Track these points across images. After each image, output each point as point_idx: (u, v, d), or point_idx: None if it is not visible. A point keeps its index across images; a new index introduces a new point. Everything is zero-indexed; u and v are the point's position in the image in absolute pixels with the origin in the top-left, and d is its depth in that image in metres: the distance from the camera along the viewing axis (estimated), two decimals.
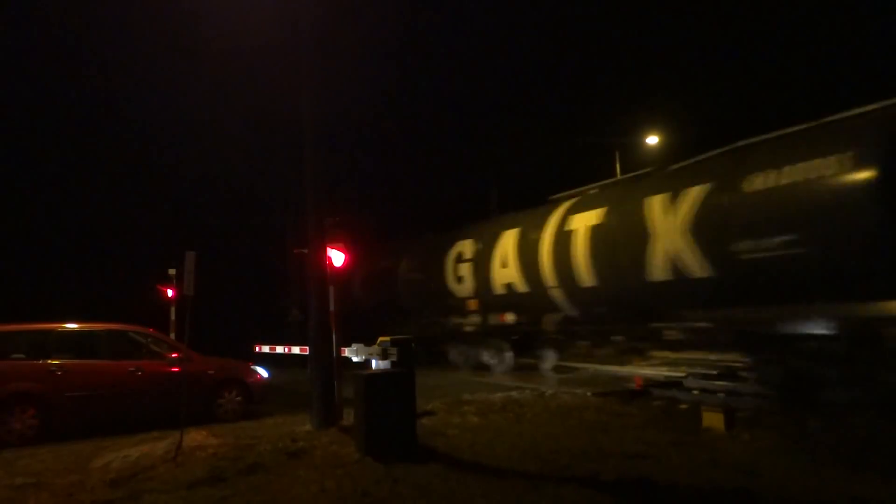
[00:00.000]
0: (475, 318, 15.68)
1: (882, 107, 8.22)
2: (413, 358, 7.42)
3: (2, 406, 8.77)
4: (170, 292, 15.46)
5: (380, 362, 7.69)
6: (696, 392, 10.42)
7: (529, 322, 14.03)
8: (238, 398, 10.51)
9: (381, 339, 7.68)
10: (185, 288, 7.91)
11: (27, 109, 38.65)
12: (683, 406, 9.24)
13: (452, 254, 16.66)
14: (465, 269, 16.01)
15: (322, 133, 8.97)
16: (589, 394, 10.64)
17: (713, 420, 7.68)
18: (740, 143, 9.74)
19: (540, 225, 13.48)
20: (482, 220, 17.29)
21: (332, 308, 8.94)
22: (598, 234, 11.69)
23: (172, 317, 14.62)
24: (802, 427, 7.39)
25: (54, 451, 7.99)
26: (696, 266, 9.61)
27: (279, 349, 13.96)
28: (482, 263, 15.32)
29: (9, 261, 28.20)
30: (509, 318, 14.49)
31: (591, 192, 13.32)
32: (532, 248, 13.52)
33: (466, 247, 16.25)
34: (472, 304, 15.85)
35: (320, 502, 5.47)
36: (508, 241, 14.50)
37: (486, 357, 15.56)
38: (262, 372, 11.20)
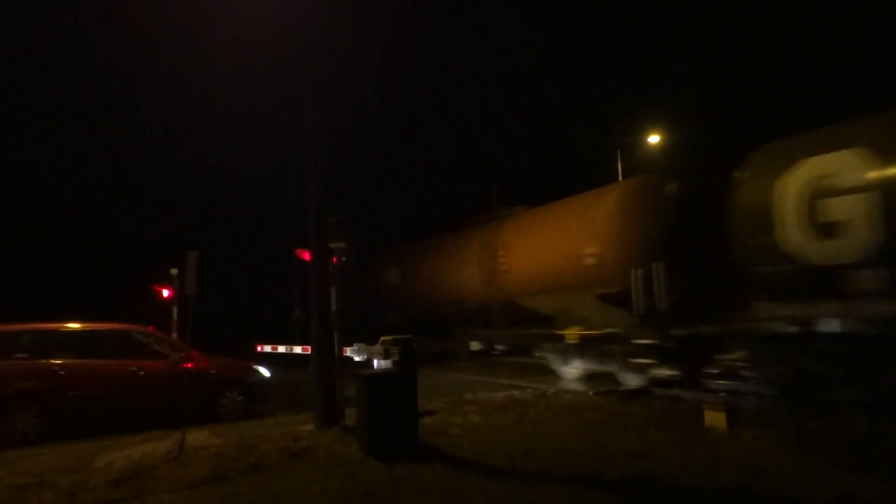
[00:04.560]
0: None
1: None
2: (415, 357, 7.43)
3: (4, 405, 8.79)
4: (165, 292, 15.45)
5: (381, 362, 7.69)
6: (697, 391, 10.43)
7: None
8: (240, 398, 10.51)
9: (382, 338, 7.69)
10: (187, 287, 7.91)
11: (28, 109, 38.70)
12: (685, 405, 9.24)
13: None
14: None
15: (323, 133, 8.97)
16: (591, 393, 10.65)
17: (715, 419, 7.67)
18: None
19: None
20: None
21: (333, 308, 8.95)
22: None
23: (174, 316, 14.60)
24: (804, 426, 7.39)
25: (57, 450, 8.00)
26: None
27: (281, 349, 14.01)
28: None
29: (9, 261, 28.23)
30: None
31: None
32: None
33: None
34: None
35: (322, 502, 5.48)
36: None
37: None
38: (264, 371, 11.20)
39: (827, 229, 8.21)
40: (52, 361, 9.22)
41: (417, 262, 19.82)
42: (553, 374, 14.26)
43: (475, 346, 17.49)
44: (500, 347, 17.02)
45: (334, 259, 9.23)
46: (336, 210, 9.28)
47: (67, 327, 9.83)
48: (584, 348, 12.69)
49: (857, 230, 7.97)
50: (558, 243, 13.37)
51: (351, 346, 9.27)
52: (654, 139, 25.74)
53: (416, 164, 53.26)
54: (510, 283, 15.11)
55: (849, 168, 8.12)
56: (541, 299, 14.19)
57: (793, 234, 8.58)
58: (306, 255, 9.10)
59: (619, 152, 25.03)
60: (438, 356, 17.82)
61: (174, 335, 13.13)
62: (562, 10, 56.98)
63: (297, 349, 13.15)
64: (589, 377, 13.20)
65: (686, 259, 10.59)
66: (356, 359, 9.01)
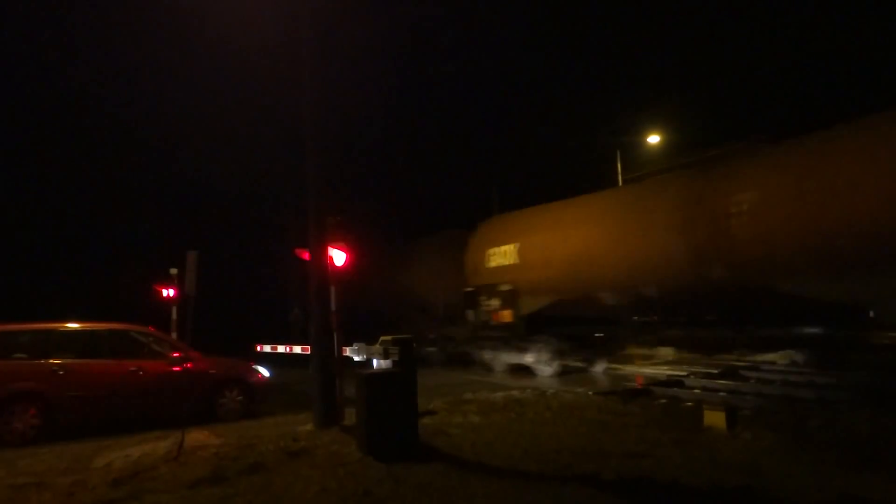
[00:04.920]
0: None
1: None
2: (415, 357, 7.42)
3: (3, 405, 8.79)
4: (165, 292, 15.48)
5: (381, 362, 7.68)
6: (697, 391, 10.45)
7: None
8: (239, 398, 10.50)
9: (382, 338, 7.68)
10: (187, 287, 7.91)
11: (29, 109, 38.70)
12: (685, 405, 9.24)
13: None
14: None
15: (323, 132, 8.96)
16: (590, 393, 10.63)
17: (715, 419, 7.66)
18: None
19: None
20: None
21: (333, 308, 8.94)
22: None
23: (174, 316, 14.62)
24: (804, 426, 7.39)
25: (56, 450, 8.00)
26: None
27: (280, 348, 14.03)
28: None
29: (9, 261, 28.22)
30: None
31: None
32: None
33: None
34: None
35: (322, 502, 5.47)
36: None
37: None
38: (264, 371, 11.19)
39: None
40: (52, 361, 9.21)
41: (550, 233, 13.38)
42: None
43: (667, 353, 12.89)
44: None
45: (331, 259, 9.22)
46: (336, 210, 9.27)
47: (66, 327, 9.82)
48: None
49: None
50: (888, 182, 8.18)
51: (351, 346, 9.27)
52: (654, 139, 25.77)
53: (415, 164, 53.27)
54: (756, 254, 9.80)
55: None
56: (831, 279, 9.04)
57: None
58: (306, 255, 9.10)
59: (619, 152, 25.06)
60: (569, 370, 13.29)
61: (174, 335, 13.14)
62: (562, 10, 57.04)
63: (297, 349, 13.17)
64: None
65: None
66: (356, 359, 9.00)
